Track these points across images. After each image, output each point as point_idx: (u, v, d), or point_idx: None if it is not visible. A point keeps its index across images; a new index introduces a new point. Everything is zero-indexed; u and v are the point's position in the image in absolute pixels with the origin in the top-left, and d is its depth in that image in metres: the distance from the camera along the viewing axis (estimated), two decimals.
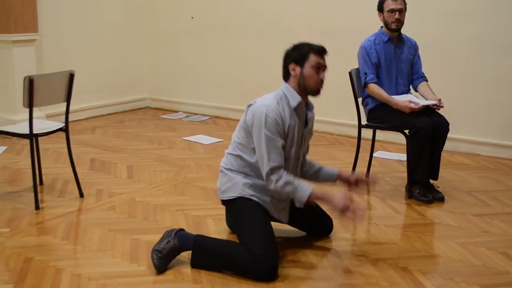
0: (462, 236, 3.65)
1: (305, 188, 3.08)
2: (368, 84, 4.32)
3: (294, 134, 3.18)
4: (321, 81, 3.17)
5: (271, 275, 3.01)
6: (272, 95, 3.19)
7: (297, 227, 3.60)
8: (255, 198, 3.19)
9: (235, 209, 3.26)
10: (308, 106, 3.31)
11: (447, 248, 3.47)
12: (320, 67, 3.16)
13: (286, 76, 3.22)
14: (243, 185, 3.20)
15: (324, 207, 3.26)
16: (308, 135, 3.35)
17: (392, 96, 4.29)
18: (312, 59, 3.14)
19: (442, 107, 4.26)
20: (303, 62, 3.14)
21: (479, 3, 5.40)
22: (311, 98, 3.29)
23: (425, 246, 3.51)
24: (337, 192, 3.12)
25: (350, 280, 3.06)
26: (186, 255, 3.18)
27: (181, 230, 3.23)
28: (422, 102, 4.24)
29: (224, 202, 3.35)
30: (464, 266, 3.24)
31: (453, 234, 3.68)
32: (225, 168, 3.30)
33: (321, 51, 3.17)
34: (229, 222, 3.60)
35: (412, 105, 4.15)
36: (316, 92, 3.19)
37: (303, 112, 3.23)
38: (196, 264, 3.14)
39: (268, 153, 3.05)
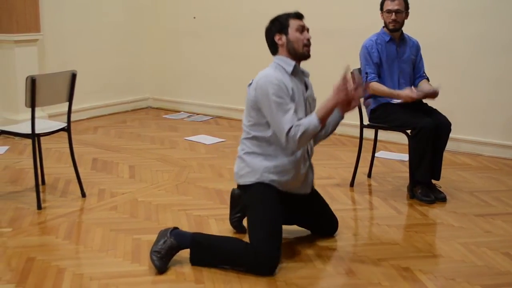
0: (464, 236, 3.64)
1: (312, 119, 3.09)
2: (369, 83, 4.32)
3: (299, 98, 3.24)
4: (308, 41, 3.27)
5: (271, 270, 3.06)
6: (267, 68, 3.28)
7: (302, 225, 3.61)
8: (274, 184, 3.22)
9: (250, 196, 3.27)
10: (304, 73, 3.38)
11: (449, 248, 3.46)
12: (304, 29, 3.27)
13: (274, 49, 3.34)
14: (263, 169, 3.22)
15: (331, 105, 3.12)
16: (312, 101, 3.39)
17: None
18: (293, 23, 3.26)
19: (436, 94, 4.23)
20: (286, 29, 3.26)
21: (480, 3, 5.39)
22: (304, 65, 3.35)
23: (427, 246, 3.50)
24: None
25: (352, 280, 3.06)
26: (186, 255, 3.18)
27: (176, 228, 3.23)
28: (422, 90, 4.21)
29: (240, 186, 3.37)
30: (466, 267, 3.24)
31: (455, 234, 3.68)
32: (244, 153, 3.31)
33: (298, 15, 3.31)
34: (232, 221, 3.62)
35: (413, 95, 4.13)
36: (306, 53, 3.28)
37: (301, 76, 3.32)
38: (195, 261, 3.15)
39: (281, 118, 3.09)
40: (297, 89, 3.24)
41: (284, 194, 3.28)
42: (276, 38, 3.29)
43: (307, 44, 3.27)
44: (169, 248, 3.12)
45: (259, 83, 3.18)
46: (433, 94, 4.21)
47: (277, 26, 3.28)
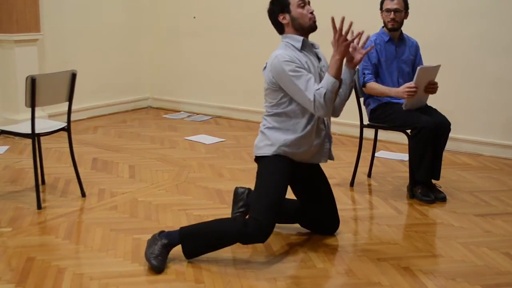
0: (464, 236, 3.64)
1: (327, 79, 3.13)
2: (367, 83, 4.32)
3: (314, 70, 3.30)
4: (311, 14, 3.31)
5: (264, 238, 3.17)
6: (277, 49, 3.33)
7: (303, 224, 3.63)
8: (288, 155, 3.32)
9: (263, 165, 3.36)
10: (314, 45, 3.42)
11: (449, 248, 3.46)
12: (304, 3, 3.31)
13: (281, 29, 3.38)
14: (281, 143, 3.30)
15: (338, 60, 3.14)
16: (326, 70, 3.39)
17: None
18: (293, 0, 3.29)
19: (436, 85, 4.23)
20: (287, 7, 3.30)
21: (480, 3, 5.39)
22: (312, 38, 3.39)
23: (427, 246, 3.51)
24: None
25: (352, 280, 3.06)
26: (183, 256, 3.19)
27: (162, 231, 3.26)
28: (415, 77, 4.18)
29: (256, 158, 3.43)
30: (466, 266, 3.24)
31: (455, 234, 3.68)
32: (265, 128, 3.40)
33: None
34: (233, 215, 3.67)
35: (408, 89, 4.09)
36: (312, 25, 3.32)
37: (311, 49, 3.37)
38: (189, 253, 3.19)
39: (304, 90, 3.15)
40: (310, 62, 3.30)
41: (298, 165, 3.37)
42: (280, 18, 3.32)
43: (312, 17, 3.30)
44: (162, 247, 3.14)
45: (273, 63, 3.24)
46: (433, 84, 4.21)
47: (278, 6, 3.32)
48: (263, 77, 3.33)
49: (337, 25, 3.12)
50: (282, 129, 3.32)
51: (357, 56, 3.23)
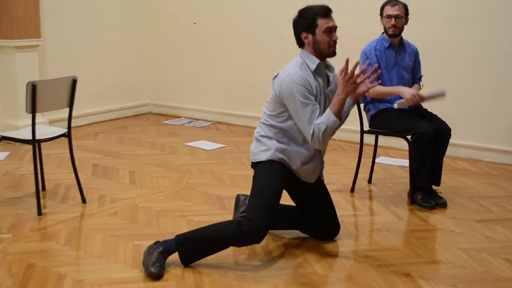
0: (465, 242, 3.64)
1: (329, 116, 3.15)
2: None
3: (320, 95, 3.30)
4: (334, 42, 3.27)
5: (259, 239, 3.19)
6: (293, 64, 3.31)
7: (303, 230, 3.63)
8: (282, 162, 3.34)
9: (259, 169, 3.37)
10: (329, 68, 3.42)
11: (450, 254, 3.46)
12: (331, 30, 3.25)
13: (301, 43, 3.34)
14: (275, 149, 3.32)
15: (341, 98, 3.16)
16: (332, 95, 3.41)
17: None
18: (321, 24, 3.23)
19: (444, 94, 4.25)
20: (314, 29, 3.25)
21: (481, 9, 5.40)
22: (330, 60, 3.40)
23: (427, 252, 3.50)
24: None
25: (352, 286, 3.06)
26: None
27: (157, 241, 3.26)
28: (428, 93, 4.19)
29: (253, 164, 3.45)
30: (467, 273, 3.23)
31: (456, 240, 3.68)
32: (260, 136, 3.42)
33: (326, 13, 3.25)
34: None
35: (416, 97, 4.09)
36: (331, 54, 3.30)
37: (324, 73, 3.35)
38: (186, 259, 3.20)
39: (307, 119, 3.18)
40: (319, 87, 3.30)
41: (292, 175, 3.40)
42: (303, 36, 3.29)
43: (333, 45, 3.28)
44: (159, 254, 3.14)
45: (284, 81, 3.23)
46: (441, 94, 4.22)
47: (305, 23, 3.26)
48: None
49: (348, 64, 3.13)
50: (276, 139, 3.35)
51: (362, 88, 3.22)
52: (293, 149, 3.34)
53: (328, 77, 3.39)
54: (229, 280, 3.08)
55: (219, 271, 3.16)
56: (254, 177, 3.39)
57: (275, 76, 3.33)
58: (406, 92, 4.14)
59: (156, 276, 3.07)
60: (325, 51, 3.27)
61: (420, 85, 4.51)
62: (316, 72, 3.29)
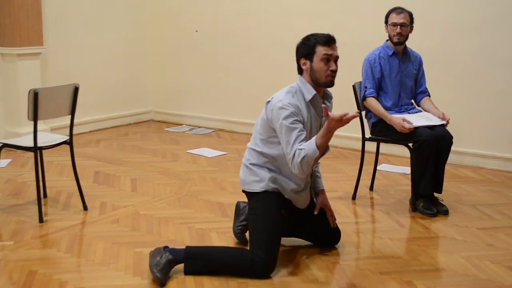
0: (467, 250, 3.63)
1: (311, 145, 3.04)
2: (367, 98, 4.33)
3: (311, 126, 3.25)
4: (332, 72, 3.17)
5: (267, 274, 3.16)
6: (287, 89, 3.25)
7: (304, 237, 3.63)
8: (277, 191, 3.31)
9: (255, 202, 3.33)
10: (326, 97, 3.36)
11: (452, 262, 3.45)
12: (329, 58, 3.17)
13: (300, 70, 3.28)
14: (268, 179, 3.28)
15: (329, 130, 3.03)
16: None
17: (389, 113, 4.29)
18: (320, 51, 3.17)
19: (448, 122, 4.26)
20: (311, 56, 3.19)
21: (483, 17, 5.41)
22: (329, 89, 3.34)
23: (429, 259, 3.49)
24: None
25: None
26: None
27: (166, 246, 3.26)
28: (422, 122, 4.21)
29: (246, 193, 3.41)
30: (469, 280, 3.22)
31: (458, 247, 3.67)
32: (250, 164, 3.36)
33: (327, 41, 3.18)
34: (236, 229, 3.66)
35: (405, 124, 4.13)
36: (328, 84, 3.22)
37: (319, 104, 3.26)
38: (190, 272, 3.19)
39: (290, 140, 3.09)
40: (311, 117, 3.24)
41: (288, 201, 3.38)
42: (301, 62, 3.24)
43: (330, 75, 3.18)
44: (167, 262, 3.13)
45: (275, 106, 3.17)
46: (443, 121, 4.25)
47: (304, 50, 3.22)
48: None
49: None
50: (266, 168, 3.31)
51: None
52: (283, 179, 3.30)
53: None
54: (230, 286, 3.07)
55: (220, 278, 3.15)
56: (252, 209, 3.33)
57: (269, 101, 3.25)
58: (396, 123, 4.16)
59: (161, 281, 3.06)
60: (321, 80, 3.19)
61: (429, 96, 4.50)
62: (311, 103, 3.24)
